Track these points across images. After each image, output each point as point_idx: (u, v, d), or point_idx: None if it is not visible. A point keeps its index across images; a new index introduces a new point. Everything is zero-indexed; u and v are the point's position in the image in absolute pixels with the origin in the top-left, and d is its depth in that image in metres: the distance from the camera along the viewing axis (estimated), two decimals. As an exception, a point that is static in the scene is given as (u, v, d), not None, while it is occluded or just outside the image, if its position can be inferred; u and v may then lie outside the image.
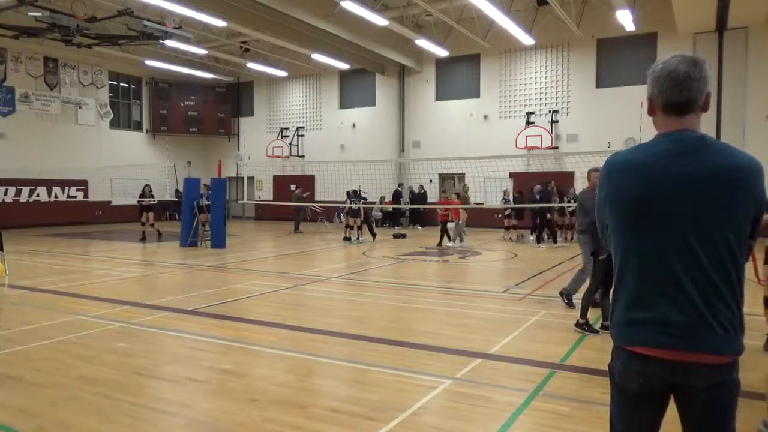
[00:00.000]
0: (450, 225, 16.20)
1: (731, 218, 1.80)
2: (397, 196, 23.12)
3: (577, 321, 6.28)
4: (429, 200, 22.65)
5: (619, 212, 1.93)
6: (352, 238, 17.19)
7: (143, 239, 16.92)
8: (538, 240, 16.20)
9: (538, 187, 16.22)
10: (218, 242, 14.96)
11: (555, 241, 16.28)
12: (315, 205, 22.67)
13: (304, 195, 21.59)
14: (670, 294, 1.81)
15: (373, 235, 17.96)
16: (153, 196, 17.28)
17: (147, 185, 17.68)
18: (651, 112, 1.97)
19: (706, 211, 1.80)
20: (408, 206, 22.89)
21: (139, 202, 17.45)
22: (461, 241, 16.07)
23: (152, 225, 16.88)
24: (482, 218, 20.69)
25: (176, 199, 22.44)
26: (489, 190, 20.98)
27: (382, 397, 4.29)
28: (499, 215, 18.66)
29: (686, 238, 1.80)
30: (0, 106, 22.03)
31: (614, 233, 1.97)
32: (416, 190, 23.25)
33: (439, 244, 15.98)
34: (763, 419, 3.65)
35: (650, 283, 1.85)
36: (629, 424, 2.02)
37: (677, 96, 1.88)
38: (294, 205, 20.95)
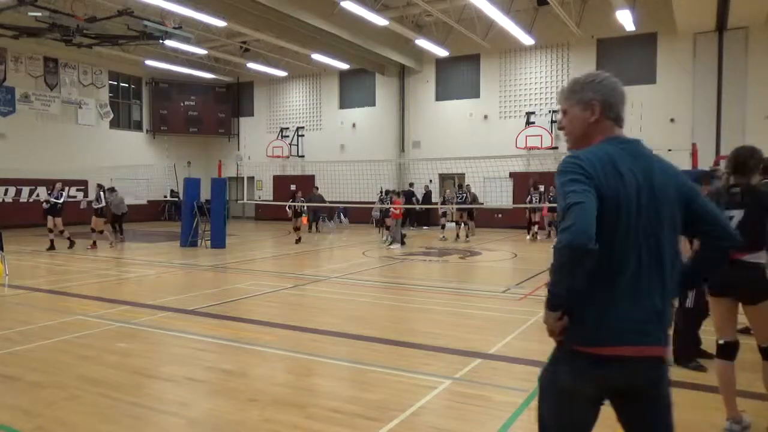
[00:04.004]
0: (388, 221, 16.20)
1: (678, 219, 1.99)
2: (409, 196, 21.95)
3: None
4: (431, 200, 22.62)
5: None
6: (388, 239, 16.07)
7: (51, 248, 14.15)
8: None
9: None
10: (218, 242, 14.96)
11: None
12: (333, 204, 22.27)
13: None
14: (635, 291, 1.88)
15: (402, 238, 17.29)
16: (61, 196, 14.45)
17: (99, 185, 15.59)
18: (599, 116, 2.04)
19: (667, 212, 1.95)
20: (418, 206, 22.42)
21: (43, 202, 14.84)
22: (401, 243, 15.65)
23: (61, 232, 14.34)
24: (482, 218, 20.71)
25: (174, 199, 22.43)
26: (489, 190, 20.99)
27: (382, 397, 4.29)
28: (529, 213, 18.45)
29: (653, 236, 1.91)
30: (0, 106, 22.04)
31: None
32: (422, 191, 23.14)
33: (390, 244, 15.65)
34: (731, 417, 3.63)
35: (620, 283, 1.89)
36: (572, 427, 2.02)
37: (623, 111, 2.09)
38: (314, 205, 20.53)
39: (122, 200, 17.13)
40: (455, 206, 17.56)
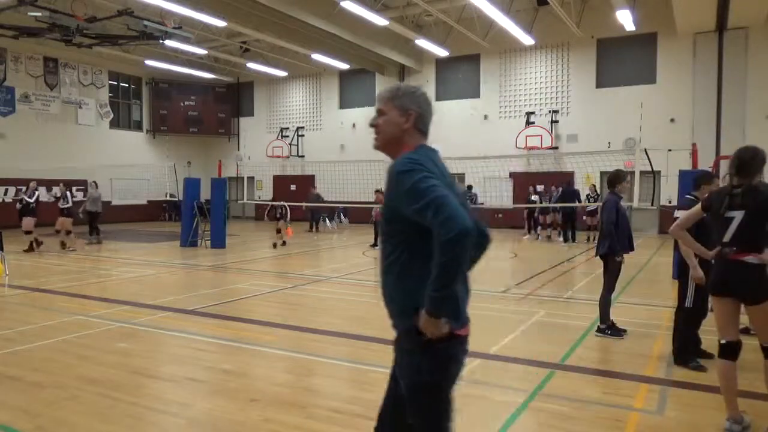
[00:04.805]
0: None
1: None
2: None
3: (598, 327, 6.12)
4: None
5: None
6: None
7: (30, 249, 13.70)
8: (565, 238, 16.53)
9: (564, 186, 16.77)
10: (218, 242, 14.96)
11: (574, 240, 16.54)
12: (333, 204, 22.25)
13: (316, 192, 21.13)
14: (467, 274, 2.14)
15: None
16: (33, 195, 13.86)
17: (64, 184, 15.07)
18: (412, 125, 2.22)
19: None
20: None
21: (19, 202, 14.18)
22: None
23: (29, 233, 13.74)
24: (482, 218, 20.66)
25: (173, 199, 22.39)
26: (489, 190, 20.98)
27: (382, 397, 4.28)
28: (538, 214, 18.45)
29: None
30: (0, 106, 22.04)
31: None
32: None
33: (374, 245, 15.12)
34: (731, 417, 3.63)
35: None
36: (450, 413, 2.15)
37: (430, 126, 2.29)
38: (311, 205, 20.55)
39: (99, 197, 16.13)
40: None
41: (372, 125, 2.32)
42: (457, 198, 1.96)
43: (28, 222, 13.74)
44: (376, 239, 15.12)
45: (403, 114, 2.21)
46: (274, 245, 15.13)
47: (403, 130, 2.22)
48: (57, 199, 14.54)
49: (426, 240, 1.93)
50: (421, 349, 2.01)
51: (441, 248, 1.83)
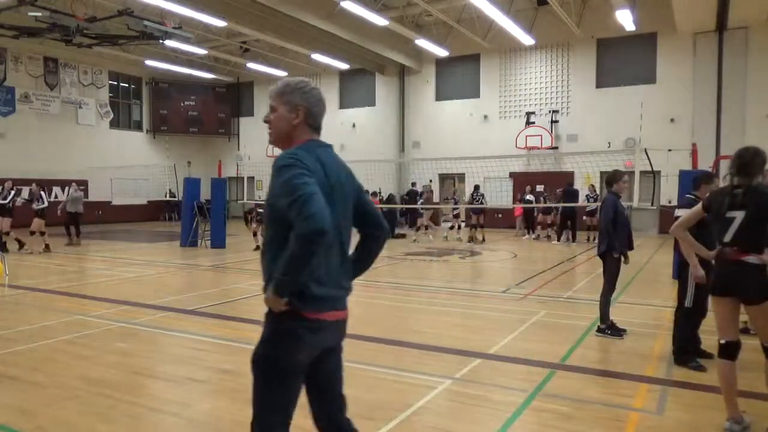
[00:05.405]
0: None
1: (351, 214, 2.36)
2: (413, 195, 21.78)
3: (598, 327, 6.11)
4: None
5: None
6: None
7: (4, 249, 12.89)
8: (559, 238, 16.60)
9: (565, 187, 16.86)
10: (218, 242, 14.96)
11: (575, 240, 16.57)
12: None
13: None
14: (331, 268, 2.21)
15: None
16: (8, 196, 13.53)
17: (37, 184, 14.62)
18: (302, 120, 2.32)
19: (348, 206, 2.32)
20: (423, 206, 22.21)
21: None
22: None
23: (7, 234, 13.33)
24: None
25: (172, 199, 22.38)
26: (489, 190, 20.95)
27: (382, 397, 4.29)
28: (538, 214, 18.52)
29: (340, 226, 2.24)
30: (0, 106, 22.04)
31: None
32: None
33: None
34: (731, 417, 3.63)
35: (333, 256, 2.22)
36: (293, 399, 2.29)
37: (321, 121, 2.44)
38: None
39: (80, 198, 15.63)
40: (464, 206, 17.42)
41: (265, 121, 2.39)
42: (345, 197, 2.21)
43: (6, 222, 13.46)
44: None
45: (292, 110, 2.30)
46: (256, 248, 14.42)
47: (292, 125, 2.31)
48: (29, 201, 14.20)
49: None
50: (267, 322, 2.23)
51: (295, 241, 2.00)
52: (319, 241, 1.99)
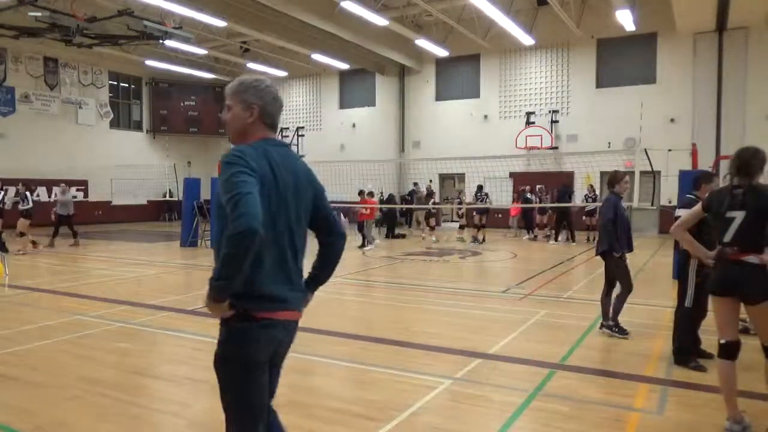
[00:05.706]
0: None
1: (308, 215, 2.35)
2: (413, 195, 21.85)
3: (602, 323, 6.11)
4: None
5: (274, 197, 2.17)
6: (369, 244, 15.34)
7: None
8: (556, 238, 16.58)
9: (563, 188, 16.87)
10: (218, 242, 14.91)
11: (573, 240, 16.56)
12: (336, 204, 22.00)
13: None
14: (280, 269, 2.21)
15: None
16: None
17: (23, 184, 14.49)
18: (256, 118, 2.28)
19: (303, 207, 2.30)
20: (424, 206, 22.18)
21: None
22: (371, 243, 15.23)
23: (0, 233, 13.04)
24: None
25: (171, 199, 22.36)
26: (489, 190, 20.93)
27: (382, 397, 4.29)
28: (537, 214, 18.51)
29: (293, 226, 2.24)
30: (0, 106, 22.04)
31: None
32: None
33: (362, 246, 14.94)
34: (731, 417, 3.63)
35: (283, 258, 2.22)
36: (262, 395, 2.32)
37: (278, 119, 2.37)
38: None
39: (69, 200, 15.37)
40: (470, 206, 17.42)
41: (223, 120, 2.38)
42: (284, 198, 2.16)
43: None
44: (364, 241, 15.16)
45: (246, 108, 2.27)
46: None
47: (247, 123, 2.28)
48: (15, 204, 14.05)
49: None
50: (221, 322, 2.26)
51: (226, 241, 1.99)
52: (248, 242, 1.95)
